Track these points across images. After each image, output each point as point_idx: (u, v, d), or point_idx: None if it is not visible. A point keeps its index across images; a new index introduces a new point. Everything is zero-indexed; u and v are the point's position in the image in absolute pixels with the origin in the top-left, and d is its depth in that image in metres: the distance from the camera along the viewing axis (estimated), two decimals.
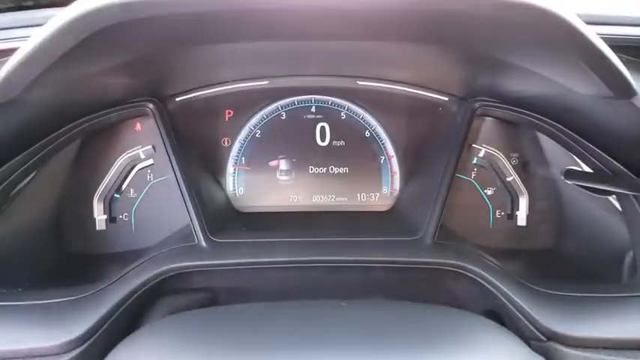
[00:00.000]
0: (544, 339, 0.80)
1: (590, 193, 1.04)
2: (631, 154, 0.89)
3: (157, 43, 0.71)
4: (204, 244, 0.95)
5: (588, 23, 0.84)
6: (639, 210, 0.90)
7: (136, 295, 0.84)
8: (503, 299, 0.86)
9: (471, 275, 0.90)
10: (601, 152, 0.94)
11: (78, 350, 0.74)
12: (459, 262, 0.91)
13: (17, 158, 0.91)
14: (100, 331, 0.77)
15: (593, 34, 0.66)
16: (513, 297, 0.85)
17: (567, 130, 0.99)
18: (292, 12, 0.60)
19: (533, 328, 0.81)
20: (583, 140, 0.97)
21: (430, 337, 0.61)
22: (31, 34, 0.85)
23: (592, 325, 0.79)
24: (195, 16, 0.53)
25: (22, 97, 0.72)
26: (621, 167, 0.91)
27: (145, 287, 0.86)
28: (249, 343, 0.59)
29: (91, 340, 0.76)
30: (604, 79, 0.71)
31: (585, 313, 0.82)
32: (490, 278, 0.88)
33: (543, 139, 1.15)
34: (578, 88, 0.78)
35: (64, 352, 0.73)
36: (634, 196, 0.90)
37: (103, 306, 0.81)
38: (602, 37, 0.73)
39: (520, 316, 0.83)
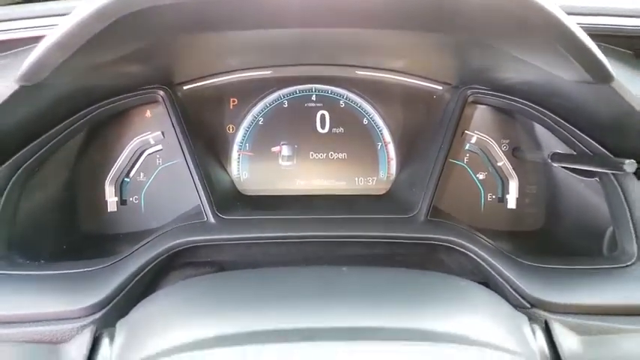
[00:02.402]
0: (528, 306, 0.86)
1: (575, 174, 1.11)
2: (610, 135, 0.95)
3: (172, 30, 0.77)
4: (212, 220, 1.01)
5: (571, 14, 0.90)
6: (618, 188, 0.96)
7: (149, 267, 0.90)
8: (491, 271, 0.92)
9: (462, 249, 0.96)
10: (583, 135, 1.00)
11: (98, 314, 0.80)
12: (450, 237, 0.97)
13: (37, 141, 0.97)
14: (117, 298, 0.84)
15: (571, 22, 0.72)
16: (501, 268, 0.91)
17: (553, 115, 1.05)
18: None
19: (518, 296, 0.88)
20: (567, 124, 1.03)
21: (418, 294, 0.68)
22: (36, 24, 0.92)
23: (572, 293, 0.86)
24: (215, 3, 0.59)
25: (47, 82, 0.78)
26: (601, 148, 0.97)
27: (158, 259, 0.92)
28: (260, 301, 0.65)
29: (110, 305, 0.82)
30: (583, 64, 0.77)
31: (567, 283, 0.89)
32: (479, 251, 0.94)
33: (532, 125, 1.21)
34: (562, 73, 0.84)
35: (86, 316, 0.80)
36: (613, 174, 0.97)
37: (120, 276, 0.87)
38: (584, 27, 0.79)
39: (507, 285, 0.89)
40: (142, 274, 0.89)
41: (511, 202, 1.27)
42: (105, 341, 0.64)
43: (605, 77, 0.80)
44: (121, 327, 0.66)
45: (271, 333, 0.54)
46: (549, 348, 0.65)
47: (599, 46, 0.82)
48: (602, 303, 0.83)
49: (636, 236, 0.94)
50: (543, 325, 0.71)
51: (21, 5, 0.97)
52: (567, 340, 0.65)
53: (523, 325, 0.68)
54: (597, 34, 0.89)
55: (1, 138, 0.89)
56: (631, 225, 0.94)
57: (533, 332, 0.67)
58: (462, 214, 1.23)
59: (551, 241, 1.21)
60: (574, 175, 1.12)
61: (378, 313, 0.59)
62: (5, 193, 0.94)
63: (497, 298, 0.74)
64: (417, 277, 0.73)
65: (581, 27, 0.76)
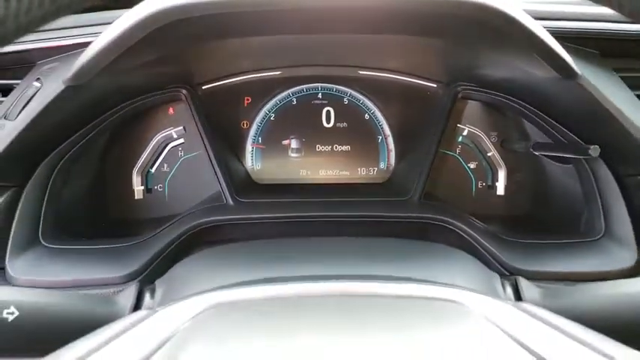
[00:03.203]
0: (507, 274, 0.99)
1: (554, 162, 1.23)
2: (580, 125, 1.08)
3: (198, 37, 0.91)
4: (231, 202, 1.15)
5: (542, 18, 1.03)
6: (589, 172, 1.09)
7: (178, 242, 1.04)
8: (475, 245, 1.05)
9: (450, 227, 1.09)
10: (559, 125, 1.13)
11: (135, 280, 0.94)
12: (439, 216, 1.10)
13: (76, 135, 1.11)
14: (151, 267, 0.98)
15: (537, 26, 0.84)
16: (484, 242, 1.04)
17: (532, 108, 1.17)
18: (315, 10, 0.79)
19: (498, 265, 1.00)
20: (545, 116, 1.15)
21: (404, 253, 0.81)
22: (79, 32, 1.05)
23: (544, 263, 0.98)
24: (239, 15, 0.73)
25: (89, 83, 0.92)
26: (574, 137, 1.10)
27: (185, 236, 1.06)
28: (272, 258, 0.79)
29: (145, 273, 0.96)
30: (549, 63, 0.90)
31: (541, 254, 1.01)
32: (465, 228, 1.07)
33: (518, 118, 1.33)
34: (535, 71, 0.97)
35: (127, 282, 0.94)
36: (585, 160, 1.09)
37: (151, 250, 1.01)
38: (553, 30, 0.91)
39: (488, 256, 1.02)
40: (172, 247, 1.02)
41: (500, 189, 1.39)
42: (147, 294, 0.78)
43: (570, 74, 0.92)
44: (160, 283, 0.80)
45: (282, 278, 0.67)
46: (515, 297, 0.78)
47: (568, 47, 0.94)
48: (569, 270, 0.96)
49: (604, 214, 1.06)
50: (513, 282, 0.84)
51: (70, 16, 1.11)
52: (530, 290, 0.78)
53: (494, 280, 0.80)
54: (566, 37, 1.01)
55: (49, 132, 1.03)
56: (599, 204, 1.07)
57: (503, 286, 0.80)
58: (455, 199, 1.35)
59: (537, 223, 1.32)
60: (554, 162, 1.24)
61: (372, 265, 0.72)
62: (51, 180, 1.08)
63: (475, 261, 0.87)
64: (406, 243, 0.87)
65: (551, 30, 0.89)
